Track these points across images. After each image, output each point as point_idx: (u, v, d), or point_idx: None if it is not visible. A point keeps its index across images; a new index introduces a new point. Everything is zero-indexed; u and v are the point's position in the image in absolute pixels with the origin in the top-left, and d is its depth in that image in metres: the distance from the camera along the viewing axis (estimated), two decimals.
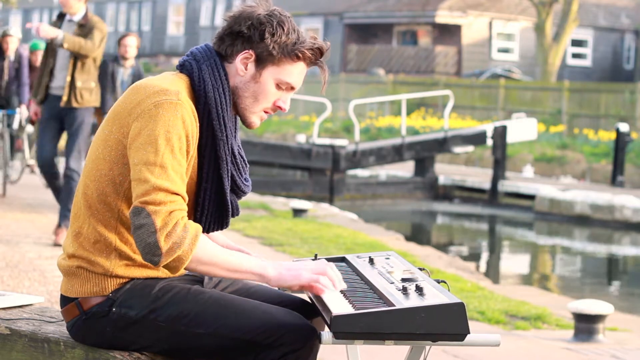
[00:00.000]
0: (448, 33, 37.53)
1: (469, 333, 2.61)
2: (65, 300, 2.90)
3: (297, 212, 12.51)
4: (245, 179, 2.97)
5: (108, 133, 2.83)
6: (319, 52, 2.91)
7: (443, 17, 36.81)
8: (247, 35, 2.85)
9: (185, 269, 2.76)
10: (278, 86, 2.90)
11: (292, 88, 2.92)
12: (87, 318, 2.85)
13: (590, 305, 6.63)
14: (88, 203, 2.85)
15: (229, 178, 2.90)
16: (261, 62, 2.87)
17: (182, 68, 2.90)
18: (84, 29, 8.24)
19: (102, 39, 8.21)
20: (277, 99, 2.92)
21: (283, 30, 2.85)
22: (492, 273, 12.86)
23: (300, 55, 2.88)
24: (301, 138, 25.50)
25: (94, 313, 2.84)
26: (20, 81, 11.74)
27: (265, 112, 2.93)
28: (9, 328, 3.03)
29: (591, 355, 6.10)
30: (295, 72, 2.90)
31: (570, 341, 6.54)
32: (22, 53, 11.84)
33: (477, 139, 20.70)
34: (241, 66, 2.88)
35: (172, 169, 2.73)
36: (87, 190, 2.86)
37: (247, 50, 2.87)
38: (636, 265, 15.17)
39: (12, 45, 11.76)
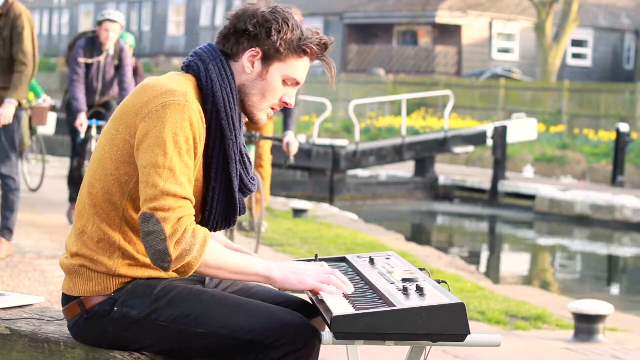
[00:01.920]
0: (448, 33, 37.53)
1: (469, 333, 2.61)
2: (66, 299, 2.90)
3: (297, 212, 12.51)
4: (251, 177, 2.98)
5: (114, 132, 2.83)
6: (324, 47, 2.92)
7: (443, 17, 36.80)
8: (253, 33, 2.86)
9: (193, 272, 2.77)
10: (284, 82, 2.91)
11: (297, 83, 2.93)
12: (88, 317, 2.85)
13: (590, 305, 6.63)
14: (93, 202, 2.85)
15: (238, 177, 2.90)
16: (268, 59, 2.88)
17: (188, 68, 2.90)
18: (6, 19, 7.15)
19: (33, 37, 7.17)
20: (283, 95, 2.92)
21: (288, 26, 2.87)
22: (492, 273, 12.85)
23: (307, 50, 2.89)
24: (301, 138, 25.50)
25: (95, 312, 2.84)
26: (122, 83, 9.19)
27: (272, 108, 2.94)
28: (9, 328, 3.03)
29: (591, 355, 6.10)
30: (300, 67, 2.91)
31: (570, 341, 6.54)
32: (124, 46, 9.29)
33: (477, 139, 20.69)
34: (248, 64, 2.88)
35: (180, 171, 2.73)
36: (92, 190, 2.86)
37: (253, 48, 2.87)
38: (636, 265, 15.16)
39: (113, 35, 9.14)
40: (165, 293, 2.83)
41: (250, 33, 2.86)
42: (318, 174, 18.89)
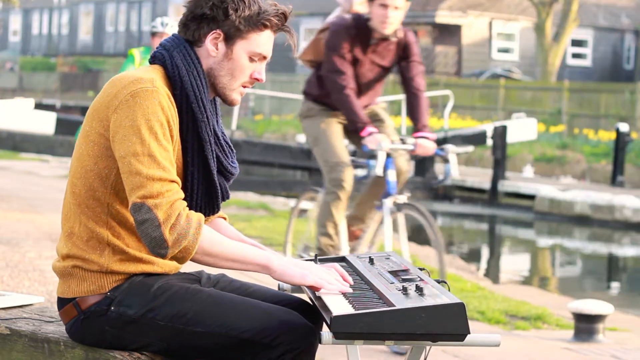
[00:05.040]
0: (448, 33, 37.53)
1: (469, 333, 2.61)
2: (62, 302, 2.90)
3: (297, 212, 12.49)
4: (231, 162, 2.98)
5: (89, 129, 2.84)
6: (283, 17, 2.94)
7: (443, 17, 36.80)
8: (211, 15, 2.88)
9: (190, 260, 2.77)
10: (251, 59, 2.93)
11: (265, 57, 2.95)
12: (85, 318, 2.85)
13: (590, 305, 6.63)
14: (77, 201, 2.86)
15: (214, 159, 2.91)
16: (230, 39, 2.90)
17: (154, 60, 2.92)
18: None
19: None
20: (252, 72, 2.94)
21: (245, 3, 2.88)
22: (492, 273, 12.85)
23: (267, 23, 2.90)
24: (301, 138, 25.49)
25: (92, 312, 2.84)
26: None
27: (244, 86, 2.96)
28: (9, 328, 3.03)
29: (591, 355, 6.10)
30: (264, 41, 2.92)
31: (570, 341, 6.54)
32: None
33: (477, 139, 20.71)
34: (212, 47, 2.90)
35: (161, 156, 2.74)
36: (75, 189, 2.86)
37: (214, 31, 2.89)
38: (636, 265, 15.16)
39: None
40: (162, 292, 2.83)
41: (208, 16, 2.88)
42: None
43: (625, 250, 16.10)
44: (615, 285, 13.18)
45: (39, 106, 31.58)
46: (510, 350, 6.05)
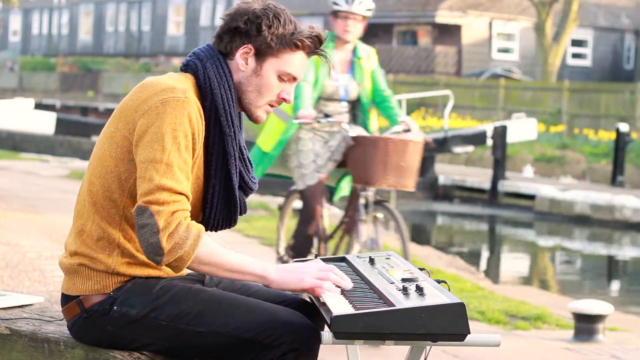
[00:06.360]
0: (448, 33, 37.53)
1: (469, 333, 2.61)
2: (66, 299, 2.91)
3: (298, 212, 12.49)
4: (252, 177, 2.98)
5: (114, 130, 2.85)
6: (317, 40, 2.93)
7: (443, 17, 36.80)
8: (244, 30, 2.88)
9: (187, 268, 2.77)
10: (280, 78, 2.92)
11: (295, 78, 2.94)
12: (88, 316, 2.85)
13: (590, 305, 6.63)
14: (93, 200, 2.86)
15: (237, 174, 2.92)
16: (261, 55, 2.89)
17: (186, 68, 2.92)
18: None
19: None
20: (280, 91, 2.93)
21: (279, 21, 2.88)
22: (492, 273, 12.85)
23: (299, 43, 2.90)
24: None
25: (95, 311, 2.85)
26: None
27: (271, 105, 2.95)
28: (9, 328, 3.03)
29: (591, 355, 6.10)
30: (295, 61, 2.91)
31: (570, 341, 6.54)
32: None
33: (477, 139, 20.68)
34: (241, 61, 2.90)
35: (178, 167, 2.74)
36: (92, 187, 2.87)
37: (245, 45, 2.89)
38: (636, 265, 15.16)
39: None
40: (165, 292, 2.84)
41: (241, 30, 2.88)
42: None
43: (625, 250, 16.10)
44: (615, 285, 13.18)
45: (39, 106, 31.58)
46: (510, 350, 6.05)
